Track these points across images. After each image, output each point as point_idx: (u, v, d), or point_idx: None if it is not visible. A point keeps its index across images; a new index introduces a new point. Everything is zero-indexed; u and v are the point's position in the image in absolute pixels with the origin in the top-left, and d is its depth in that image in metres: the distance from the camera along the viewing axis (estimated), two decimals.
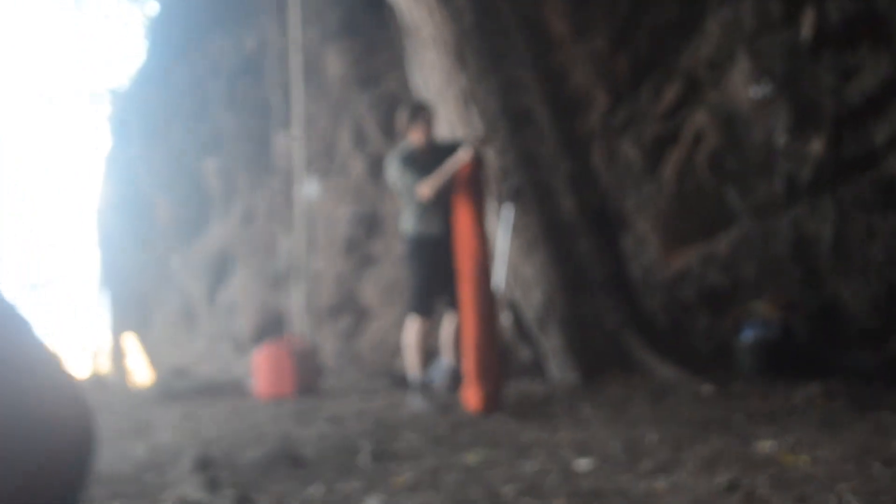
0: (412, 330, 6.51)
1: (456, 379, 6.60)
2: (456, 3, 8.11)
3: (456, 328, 6.52)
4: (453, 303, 6.45)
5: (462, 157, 6.23)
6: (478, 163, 6.29)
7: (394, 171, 6.51)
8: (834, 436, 4.76)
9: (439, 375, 6.79)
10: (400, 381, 7.65)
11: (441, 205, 6.34)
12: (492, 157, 6.53)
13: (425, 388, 6.49)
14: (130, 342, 12.19)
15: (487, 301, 6.18)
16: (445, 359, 6.70)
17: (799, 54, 7.74)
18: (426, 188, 6.27)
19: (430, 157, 6.43)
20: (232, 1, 11.28)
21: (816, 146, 7.68)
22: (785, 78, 7.77)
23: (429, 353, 6.82)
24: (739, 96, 7.91)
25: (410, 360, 6.55)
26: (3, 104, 21.38)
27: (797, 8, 7.75)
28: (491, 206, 7.30)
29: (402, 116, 6.60)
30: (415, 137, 6.50)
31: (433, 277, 6.46)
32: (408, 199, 6.45)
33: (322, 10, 10.25)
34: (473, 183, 6.26)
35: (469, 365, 6.10)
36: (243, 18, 11.16)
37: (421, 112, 6.49)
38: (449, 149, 6.45)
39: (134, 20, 13.95)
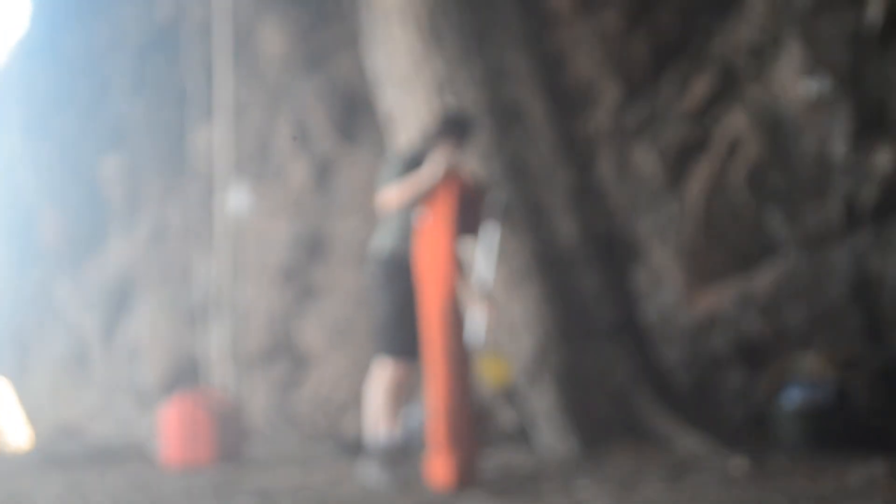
0: (383, 377, 6.45)
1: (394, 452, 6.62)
2: None
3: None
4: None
5: (436, 166, 6.26)
6: (464, 185, 6.33)
7: (389, 173, 6.47)
8: None
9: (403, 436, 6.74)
10: (349, 447, 7.66)
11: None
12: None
13: (387, 455, 6.41)
14: (2, 392, 12.13)
15: (460, 350, 6.21)
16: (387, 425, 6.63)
17: (864, 42, 7.78)
18: (392, 194, 6.31)
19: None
20: None
21: (883, 159, 7.75)
22: (846, 71, 7.81)
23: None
24: (788, 93, 7.97)
25: (374, 416, 6.48)
26: None
27: None
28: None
29: (436, 123, 6.61)
30: (441, 151, 6.46)
31: (411, 310, 6.40)
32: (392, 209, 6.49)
33: None
34: (463, 209, 6.28)
35: (437, 429, 6.12)
36: None
37: (467, 133, 6.59)
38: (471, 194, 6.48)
39: None
